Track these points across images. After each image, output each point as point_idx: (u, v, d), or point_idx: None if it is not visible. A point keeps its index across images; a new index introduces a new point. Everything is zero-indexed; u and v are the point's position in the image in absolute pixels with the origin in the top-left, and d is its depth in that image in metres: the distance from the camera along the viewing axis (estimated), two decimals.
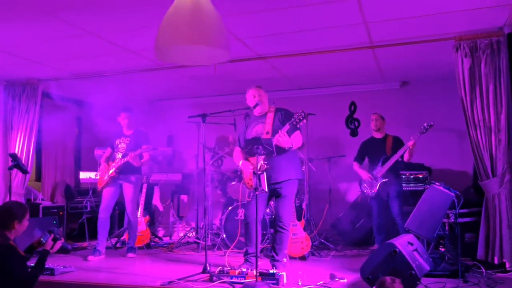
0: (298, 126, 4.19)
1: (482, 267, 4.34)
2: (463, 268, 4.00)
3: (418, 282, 3.53)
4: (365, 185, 5.56)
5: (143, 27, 4.50)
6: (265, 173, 4.01)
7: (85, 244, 6.56)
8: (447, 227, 4.61)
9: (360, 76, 6.68)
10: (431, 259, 4.00)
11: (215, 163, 6.81)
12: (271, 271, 4.02)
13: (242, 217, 5.72)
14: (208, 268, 4.26)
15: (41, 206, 6.67)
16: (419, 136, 5.18)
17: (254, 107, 4.49)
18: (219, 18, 2.48)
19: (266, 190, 4.04)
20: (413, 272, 3.43)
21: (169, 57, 2.76)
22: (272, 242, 4.62)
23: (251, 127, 4.57)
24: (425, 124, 5.16)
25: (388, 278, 2.99)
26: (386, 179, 5.37)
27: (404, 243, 3.67)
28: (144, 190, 6.56)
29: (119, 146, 5.73)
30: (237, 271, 4.08)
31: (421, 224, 4.12)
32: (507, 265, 4.38)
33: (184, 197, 7.93)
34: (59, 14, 4.11)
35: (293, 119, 4.15)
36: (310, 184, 6.18)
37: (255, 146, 3.94)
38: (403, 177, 5.94)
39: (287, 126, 4.18)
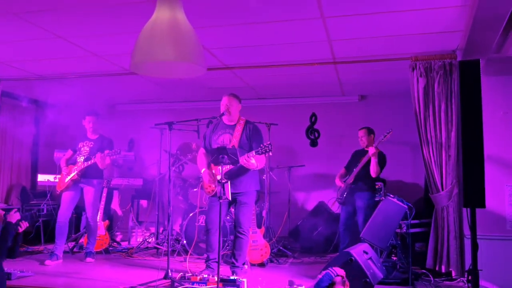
0: (265, 155, 4.32)
1: (430, 275, 4.62)
2: (413, 276, 4.25)
3: None
4: (338, 191, 5.77)
5: (112, 33, 4.53)
6: (229, 182, 4.12)
7: (41, 248, 6.44)
8: (398, 237, 4.85)
9: (322, 89, 6.92)
10: (384, 267, 4.23)
11: (177, 169, 6.87)
12: (232, 277, 4.13)
13: (203, 224, 5.82)
14: (170, 274, 4.32)
15: None
16: (378, 143, 5.41)
17: (221, 116, 4.59)
18: (195, 34, 2.58)
19: (230, 198, 4.15)
20: (368, 279, 3.63)
21: (145, 70, 2.83)
22: (232, 248, 4.73)
23: (218, 134, 4.66)
24: (384, 132, 5.36)
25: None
26: (353, 187, 5.57)
27: (360, 252, 3.87)
28: (104, 195, 6.52)
29: (82, 149, 5.69)
30: (198, 277, 4.16)
31: (375, 234, 4.35)
32: (453, 274, 4.67)
33: (143, 202, 7.92)
34: (27, 16, 4.09)
35: (260, 149, 4.25)
36: (270, 192, 6.33)
37: (221, 156, 4.05)
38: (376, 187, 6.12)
39: (253, 153, 4.30)
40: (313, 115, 7.52)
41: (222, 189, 4.02)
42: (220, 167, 4.11)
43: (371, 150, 5.43)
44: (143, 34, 2.55)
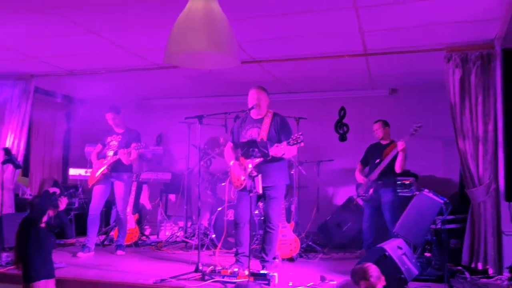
0: (295, 147, 4.27)
1: (466, 273, 4.48)
2: (448, 273, 4.12)
3: (406, 286, 3.64)
4: (360, 188, 5.67)
5: (143, 28, 4.53)
6: (260, 175, 4.08)
7: (72, 240, 6.53)
8: (433, 233, 4.73)
9: (351, 82, 6.80)
10: (418, 264, 4.12)
11: (205, 163, 6.87)
12: (262, 272, 4.09)
13: (231, 218, 5.80)
14: (200, 267, 4.31)
15: (29, 201, 6.62)
16: (409, 138, 5.28)
17: (250, 109, 4.55)
18: (229, 25, 2.54)
19: (260, 192, 4.11)
20: (402, 276, 3.54)
21: (179, 61, 2.80)
22: (261, 242, 4.69)
23: (246, 129, 4.62)
24: (414, 126, 5.24)
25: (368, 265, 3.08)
26: (379, 183, 5.47)
27: (394, 247, 3.78)
28: (133, 188, 6.58)
29: (111, 143, 5.74)
30: (229, 271, 4.14)
31: (409, 230, 4.24)
32: (490, 271, 4.52)
33: (172, 197, 7.96)
34: (62, 11, 4.12)
35: (291, 140, 4.21)
36: (299, 187, 6.27)
37: (251, 149, 4.01)
38: (398, 182, 6.01)
39: (284, 143, 4.25)
40: (342, 109, 7.41)
41: (252, 182, 3.98)
42: (250, 161, 4.07)
43: (401, 145, 5.31)
44: (177, 25, 2.52)
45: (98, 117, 6.62)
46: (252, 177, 3.99)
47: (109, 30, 4.59)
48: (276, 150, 4.25)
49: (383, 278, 3.01)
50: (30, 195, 6.95)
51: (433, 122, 6.50)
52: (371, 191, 5.54)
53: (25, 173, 7.64)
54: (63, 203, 3.77)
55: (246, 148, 4.05)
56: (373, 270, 3.03)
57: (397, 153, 5.37)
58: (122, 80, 6.66)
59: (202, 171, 6.55)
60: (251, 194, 3.97)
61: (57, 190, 3.81)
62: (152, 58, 5.55)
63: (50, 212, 3.75)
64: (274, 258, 4.62)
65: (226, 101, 7.32)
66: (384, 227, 5.67)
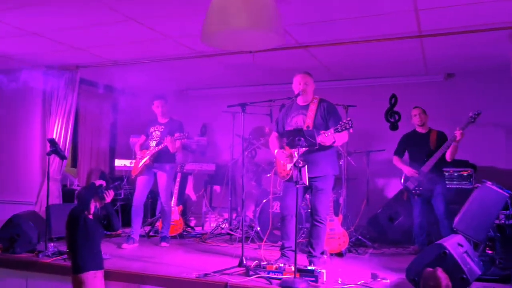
0: (343, 133, 4.01)
1: None
2: None
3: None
4: (410, 181, 5.32)
5: (183, 14, 4.38)
6: (306, 166, 3.84)
7: (119, 231, 6.54)
8: (497, 229, 4.34)
9: (403, 68, 6.42)
10: (481, 263, 3.77)
11: (249, 154, 6.70)
12: (309, 268, 3.87)
13: (277, 210, 5.61)
14: (244, 262, 4.14)
15: (76, 192, 6.69)
16: (467, 126, 4.90)
17: (297, 95, 4.31)
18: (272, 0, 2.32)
19: (307, 183, 3.87)
20: (465, 276, 3.22)
21: (217, 42, 2.61)
22: (308, 236, 4.46)
23: (291, 117, 4.40)
24: (471, 113, 4.87)
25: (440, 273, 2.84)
26: (432, 176, 5.13)
27: (454, 245, 3.46)
28: (178, 179, 6.50)
29: (154, 134, 5.67)
30: (274, 266, 3.94)
31: (470, 225, 3.89)
32: None
33: (217, 188, 7.86)
34: None
35: (339, 126, 3.96)
36: (348, 179, 5.98)
37: (297, 138, 3.77)
38: (446, 174, 5.67)
39: (331, 131, 4.00)
40: (393, 96, 7.02)
41: (298, 173, 3.76)
42: (296, 150, 3.84)
43: (459, 135, 4.91)
44: (214, 1, 2.32)
45: (143, 108, 6.60)
46: (298, 168, 3.77)
47: (148, 16, 4.47)
48: (323, 138, 4.00)
49: (450, 285, 2.76)
50: (78, 185, 7.03)
51: (494, 109, 6.05)
52: (420, 185, 5.19)
53: (74, 163, 7.76)
54: (109, 195, 3.76)
55: (292, 137, 3.82)
56: (444, 278, 2.78)
57: (451, 142, 5.00)
58: (165, 69, 6.58)
59: (246, 162, 6.43)
60: (297, 186, 3.74)
61: (103, 183, 3.78)
62: (194, 46, 5.41)
63: (97, 204, 3.76)
64: (322, 254, 4.38)
65: (271, 89, 7.11)
66: (436, 222, 5.33)
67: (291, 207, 4.27)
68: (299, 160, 3.81)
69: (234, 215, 6.77)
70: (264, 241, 5.25)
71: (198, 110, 7.98)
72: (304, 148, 3.98)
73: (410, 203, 6.02)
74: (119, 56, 5.97)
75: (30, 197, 6.47)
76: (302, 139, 3.77)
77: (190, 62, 6.02)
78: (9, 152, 6.70)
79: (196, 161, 7.47)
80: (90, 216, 3.69)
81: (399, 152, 5.54)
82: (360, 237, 5.74)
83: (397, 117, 6.97)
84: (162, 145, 5.41)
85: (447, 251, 3.30)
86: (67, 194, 6.69)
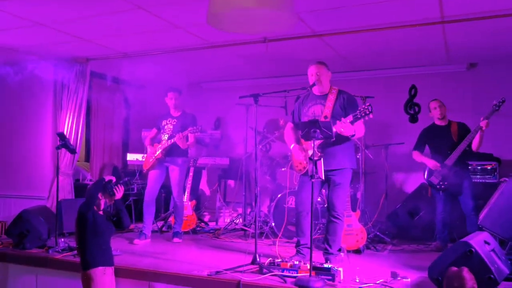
0: (362, 120, 3.81)
1: None
2: None
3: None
4: (434, 176, 5.08)
5: (193, 2, 4.20)
6: (322, 159, 3.66)
7: (131, 226, 6.44)
8: None
9: (424, 57, 6.16)
10: (509, 262, 3.54)
11: (263, 147, 6.53)
12: (325, 266, 3.69)
13: (292, 205, 5.44)
14: (258, 259, 3.98)
15: (88, 187, 6.61)
16: (491, 114, 4.66)
17: (312, 86, 4.12)
18: None
19: (323, 177, 3.68)
20: (492, 276, 3.01)
21: (224, 24, 2.43)
22: (325, 233, 4.27)
23: (308, 106, 4.21)
24: (495, 101, 4.67)
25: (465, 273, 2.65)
26: (457, 169, 4.89)
27: (480, 242, 3.24)
28: (191, 174, 6.37)
29: (166, 127, 5.53)
30: (288, 264, 3.78)
31: (497, 221, 3.68)
32: None
33: (231, 182, 7.72)
34: None
35: (358, 112, 3.77)
36: (365, 173, 5.77)
37: (312, 130, 3.59)
38: (470, 168, 5.42)
39: (350, 117, 3.81)
40: (413, 87, 6.76)
41: (314, 167, 3.58)
42: (312, 143, 3.66)
43: (485, 124, 4.67)
44: None
45: (155, 101, 6.48)
46: (313, 161, 3.59)
47: (157, 4, 4.30)
48: (342, 126, 3.80)
49: (476, 287, 2.56)
50: (90, 180, 6.94)
51: None
52: (445, 179, 4.96)
53: (87, 158, 7.69)
54: (119, 191, 3.66)
55: (307, 129, 3.63)
56: (470, 279, 2.59)
57: (475, 133, 4.76)
58: (176, 61, 6.43)
59: (261, 156, 6.26)
60: (313, 180, 3.56)
61: (113, 178, 3.67)
62: (205, 36, 5.24)
63: (107, 201, 3.66)
64: (339, 251, 4.20)
65: (286, 81, 6.91)
66: (461, 218, 5.11)
67: (306, 203, 4.09)
68: (315, 153, 3.63)
69: (248, 210, 6.61)
70: (279, 237, 5.08)
71: (211, 103, 7.82)
72: (320, 140, 3.79)
73: (430, 198, 5.81)
74: (128, 48, 5.84)
75: (42, 192, 6.41)
76: (318, 130, 3.59)
77: (201, 53, 5.85)
78: (21, 147, 6.64)
79: (209, 155, 7.33)
80: (100, 212, 3.62)
81: (419, 147, 5.31)
82: (378, 233, 5.54)
83: (416, 109, 6.71)
84: (173, 140, 5.27)
85: (473, 249, 3.09)
86: (80, 188, 6.61)
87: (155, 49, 5.83)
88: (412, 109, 6.73)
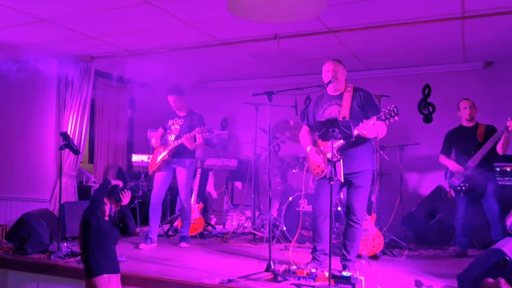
0: (386, 122, 3.59)
1: None
2: None
3: None
4: (455, 177, 4.86)
5: None
6: (341, 160, 3.44)
7: (137, 230, 6.24)
8: None
9: (439, 55, 5.95)
10: None
11: (273, 148, 6.32)
12: (345, 274, 3.48)
13: (304, 209, 5.24)
14: (272, 266, 3.77)
15: (92, 189, 6.43)
16: None
17: (328, 84, 3.91)
18: None
19: (342, 180, 3.47)
20: None
21: (244, 11, 2.23)
22: (342, 238, 4.05)
23: (323, 108, 4.00)
24: None
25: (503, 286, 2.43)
26: (481, 171, 4.67)
27: None
28: (198, 176, 6.16)
29: (172, 127, 5.33)
30: (305, 271, 3.57)
31: None
32: None
33: (238, 184, 7.51)
34: None
35: (382, 114, 3.55)
36: (380, 175, 5.55)
37: (331, 129, 3.38)
38: (498, 169, 5.20)
39: (373, 119, 3.59)
40: (426, 86, 6.54)
41: (333, 168, 3.37)
42: (330, 143, 3.45)
43: (510, 122, 4.44)
44: None
45: (161, 100, 6.28)
46: (332, 162, 3.37)
47: None
48: (366, 128, 3.59)
49: None
50: (94, 182, 6.74)
51: None
52: (467, 182, 4.74)
53: (91, 159, 7.50)
54: (126, 197, 3.47)
55: (325, 128, 3.42)
56: None
57: (501, 134, 4.53)
58: (184, 59, 6.24)
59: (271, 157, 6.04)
60: (331, 183, 3.35)
61: (120, 183, 3.48)
62: (215, 32, 5.04)
63: (113, 206, 3.49)
64: (359, 257, 3.97)
65: (296, 81, 6.71)
66: (481, 223, 4.89)
67: (325, 207, 3.88)
68: (334, 154, 3.42)
69: (256, 213, 6.40)
70: (293, 243, 4.86)
71: (218, 103, 7.62)
72: (337, 141, 3.57)
73: (447, 201, 5.60)
74: (134, 45, 5.64)
75: (45, 194, 6.22)
76: (337, 130, 3.38)
77: (209, 50, 5.65)
78: (22, 147, 6.45)
79: (217, 156, 7.13)
80: (106, 218, 3.43)
81: (445, 151, 5.08)
82: (394, 237, 5.32)
83: (431, 109, 6.49)
84: (181, 140, 5.07)
85: (508, 258, 2.87)
86: (83, 190, 6.42)
87: (161, 47, 5.64)
88: (426, 109, 6.51)
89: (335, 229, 5.12)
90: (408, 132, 6.38)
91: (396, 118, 3.55)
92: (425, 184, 6.30)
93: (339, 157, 3.47)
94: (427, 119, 6.49)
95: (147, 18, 4.61)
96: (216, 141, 7.21)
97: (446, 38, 5.18)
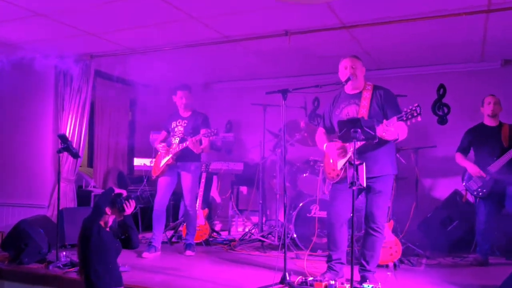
0: (408, 123, 3.32)
1: None
2: None
3: None
4: (473, 181, 4.59)
5: None
6: (364, 163, 3.17)
7: (139, 236, 5.94)
8: None
9: (456, 54, 5.70)
10: None
11: (281, 151, 6.02)
12: (366, 286, 3.21)
13: (316, 214, 4.98)
14: (288, 278, 3.49)
15: (92, 194, 6.14)
16: None
17: (346, 81, 3.64)
18: None
19: (365, 185, 3.19)
20: None
21: None
22: (361, 247, 3.78)
23: (340, 108, 3.72)
24: None
25: None
26: (502, 178, 4.40)
27: None
28: (202, 180, 5.88)
29: (176, 129, 5.05)
30: (323, 284, 3.30)
31: None
32: None
33: (243, 189, 7.24)
34: None
35: (404, 114, 3.27)
36: (396, 179, 5.27)
37: (352, 130, 3.11)
38: None
39: (394, 119, 3.31)
40: (441, 86, 6.26)
41: (355, 172, 3.09)
42: (350, 145, 3.18)
43: None
44: None
45: (164, 102, 6.03)
46: (354, 165, 3.10)
47: None
48: (384, 129, 3.32)
49: None
50: (94, 186, 6.46)
51: None
52: (488, 186, 4.47)
53: (90, 163, 7.23)
54: (130, 207, 3.19)
55: (346, 129, 3.15)
56: None
57: None
58: (188, 58, 5.97)
59: (279, 160, 5.76)
60: (353, 188, 3.08)
61: (124, 192, 3.22)
62: (222, 29, 4.79)
63: (116, 216, 3.23)
64: (394, 267, 3.70)
65: (305, 81, 6.44)
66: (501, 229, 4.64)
67: (341, 213, 3.62)
68: (355, 156, 3.15)
69: (263, 219, 6.12)
70: (308, 251, 4.58)
71: (222, 104, 7.32)
72: (360, 142, 3.30)
73: (466, 206, 5.33)
74: (136, 43, 5.37)
75: (43, 199, 5.94)
76: (359, 130, 3.11)
77: (216, 48, 5.39)
78: (19, 150, 6.18)
79: (221, 159, 6.85)
80: (107, 229, 3.16)
81: (463, 149, 4.81)
82: (410, 245, 5.03)
83: (446, 110, 6.20)
84: (186, 143, 4.79)
85: None
86: (83, 196, 6.14)
87: (165, 44, 5.37)
88: (440, 110, 6.23)
89: (348, 236, 4.83)
90: (422, 134, 6.11)
91: (419, 118, 3.27)
92: (441, 188, 6.02)
93: (360, 160, 3.19)
94: (442, 120, 6.21)
95: (150, 12, 4.34)
96: (221, 144, 6.93)
97: (467, 34, 4.92)
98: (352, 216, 3.11)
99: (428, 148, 5.66)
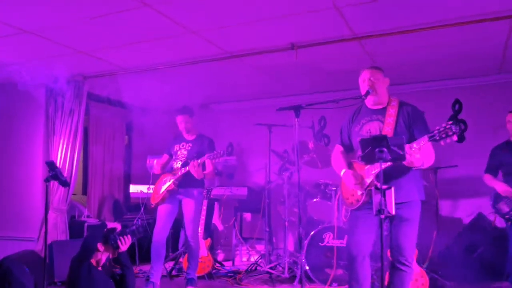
0: (441, 143, 2.90)
1: None
2: None
3: None
4: (504, 203, 4.18)
5: None
6: (392, 188, 2.75)
7: (135, 270, 5.49)
8: None
9: (473, 65, 5.34)
10: None
11: (289, 174, 5.60)
12: None
13: (329, 243, 4.55)
14: None
15: (86, 224, 5.69)
16: None
17: (366, 95, 3.24)
18: None
19: (393, 212, 2.77)
20: None
21: None
22: (388, 284, 3.32)
23: (360, 124, 3.31)
24: None
25: None
26: None
27: None
28: (204, 207, 5.44)
29: (179, 153, 4.66)
30: None
31: None
32: None
33: (247, 215, 6.80)
34: None
35: (436, 133, 2.85)
36: None
37: (378, 149, 2.70)
38: None
39: (425, 138, 2.89)
40: (457, 101, 5.79)
41: (382, 198, 2.68)
42: (371, 168, 2.78)
43: None
44: None
45: (162, 126, 5.67)
46: (381, 190, 2.69)
47: (168, 1, 3.49)
48: (414, 160, 2.91)
49: None
50: (88, 216, 6.02)
51: None
52: None
53: (84, 191, 6.80)
54: (125, 243, 2.85)
55: (370, 148, 2.74)
56: None
57: None
58: (186, 77, 5.63)
59: (286, 184, 5.35)
60: (381, 216, 2.66)
61: (118, 226, 2.82)
62: (223, 44, 4.43)
63: (110, 254, 2.89)
64: None
65: (312, 99, 6.03)
66: None
67: (363, 245, 3.17)
68: (382, 181, 2.73)
69: (269, 248, 5.66)
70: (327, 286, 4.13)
71: (222, 126, 6.96)
72: (387, 163, 2.88)
73: (491, 231, 4.91)
74: (131, 61, 5.01)
75: (31, 232, 5.49)
76: (385, 149, 2.70)
77: (216, 65, 5.03)
78: (6, 178, 5.77)
79: (223, 185, 6.43)
80: (99, 268, 2.73)
81: (491, 169, 4.40)
82: (434, 275, 4.58)
83: (463, 126, 5.79)
84: (189, 167, 4.38)
85: None
86: (76, 227, 5.68)
87: (162, 63, 5.02)
88: (457, 126, 5.84)
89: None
90: (440, 152, 5.70)
91: (454, 137, 2.87)
92: (462, 210, 5.61)
93: (388, 185, 2.77)
94: (460, 137, 5.81)
95: (146, 26, 3.99)
96: (222, 168, 6.52)
97: (488, 44, 4.57)
98: (382, 250, 2.67)
99: (448, 168, 5.24)
